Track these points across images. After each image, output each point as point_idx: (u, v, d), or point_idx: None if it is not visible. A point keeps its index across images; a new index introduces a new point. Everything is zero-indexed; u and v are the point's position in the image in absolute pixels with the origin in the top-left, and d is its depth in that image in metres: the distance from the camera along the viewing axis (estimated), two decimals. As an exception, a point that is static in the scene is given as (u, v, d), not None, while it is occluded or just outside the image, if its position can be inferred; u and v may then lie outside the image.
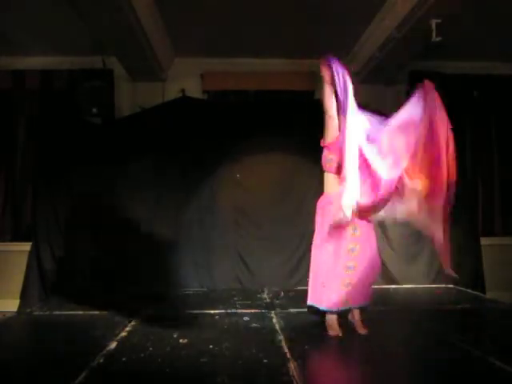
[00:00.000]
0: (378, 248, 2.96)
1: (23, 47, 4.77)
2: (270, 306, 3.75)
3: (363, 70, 4.97)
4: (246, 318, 3.31)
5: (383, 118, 2.78)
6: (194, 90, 5.07)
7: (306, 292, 2.95)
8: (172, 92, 5.01)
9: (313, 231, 3.00)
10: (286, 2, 3.92)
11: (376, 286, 4.58)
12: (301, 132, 4.69)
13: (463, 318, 3.47)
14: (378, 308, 3.69)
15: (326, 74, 2.83)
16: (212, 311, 3.55)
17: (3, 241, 4.88)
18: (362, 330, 2.88)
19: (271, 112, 4.92)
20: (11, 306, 4.36)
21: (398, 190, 2.70)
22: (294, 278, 4.67)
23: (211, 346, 2.61)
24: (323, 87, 2.88)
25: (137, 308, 3.64)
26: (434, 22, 3.67)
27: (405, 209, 2.72)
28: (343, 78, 2.69)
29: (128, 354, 2.48)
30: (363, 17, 4.25)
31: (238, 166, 4.83)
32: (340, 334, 2.79)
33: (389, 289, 4.60)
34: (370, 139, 2.69)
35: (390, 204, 2.75)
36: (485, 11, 3.94)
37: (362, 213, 2.70)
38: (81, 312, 3.59)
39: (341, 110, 2.73)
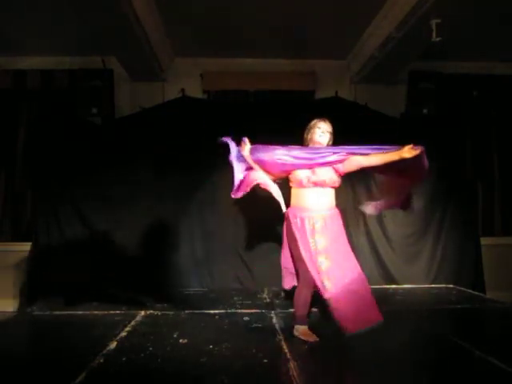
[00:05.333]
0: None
1: (23, 47, 4.77)
2: (270, 306, 3.75)
3: (363, 69, 4.97)
4: (246, 318, 3.31)
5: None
6: (194, 90, 5.07)
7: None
8: (172, 92, 5.01)
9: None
10: (286, 1, 3.92)
11: (376, 286, 4.63)
12: (301, 132, 4.68)
13: (463, 317, 3.47)
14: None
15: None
16: (212, 311, 3.56)
17: (3, 241, 4.89)
18: None
19: (271, 112, 4.91)
20: (11, 306, 4.36)
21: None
22: (293, 277, 4.67)
23: (211, 346, 2.61)
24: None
25: (137, 308, 3.64)
26: (434, 22, 3.67)
27: None
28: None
29: (128, 354, 2.48)
30: (363, 17, 4.25)
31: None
32: (317, 339, 2.75)
33: (389, 289, 4.59)
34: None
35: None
36: (485, 11, 3.94)
37: None
38: (81, 312, 3.59)
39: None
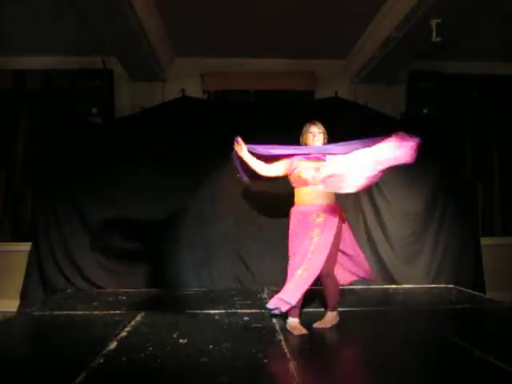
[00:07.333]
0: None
1: (23, 47, 4.76)
2: (270, 306, 3.74)
3: (363, 70, 4.96)
4: (245, 318, 3.31)
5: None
6: (194, 90, 5.07)
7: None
8: (172, 92, 5.00)
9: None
10: (286, 2, 3.92)
11: (376, 286, 4.63)
12: (301, 132, 4.69)
13: (463, 317, 3.47)
14: (377, 308, 3.70)
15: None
16: (212, 311, 3.56)
17: (3, 241, 4.88)
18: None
19: (271, 112, 4.91)
20: (11, 306, 4.36)
21: None
22: (293, 277, 4.66)
23: (211, 346, 2.61)
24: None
25: (137, 308, 3.64)
26: (434, 22, 3.67)
27: None
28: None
29: (128, 354, 2.48)
30: (363, 17, 4.25)
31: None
32: (306, 332, 2.88)
33: (389, 289, 4.59)
34: None
35: None
36: (485, 11, 3.94)
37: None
38: (81, 312, 3.59)
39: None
